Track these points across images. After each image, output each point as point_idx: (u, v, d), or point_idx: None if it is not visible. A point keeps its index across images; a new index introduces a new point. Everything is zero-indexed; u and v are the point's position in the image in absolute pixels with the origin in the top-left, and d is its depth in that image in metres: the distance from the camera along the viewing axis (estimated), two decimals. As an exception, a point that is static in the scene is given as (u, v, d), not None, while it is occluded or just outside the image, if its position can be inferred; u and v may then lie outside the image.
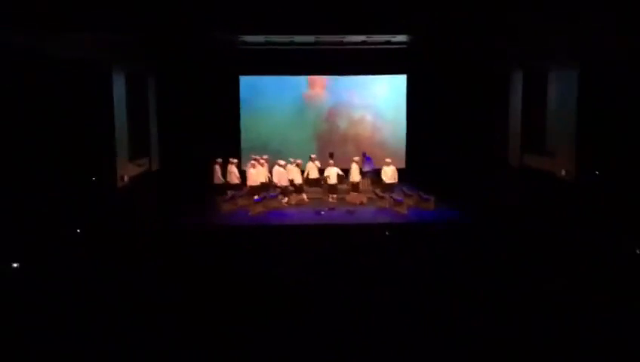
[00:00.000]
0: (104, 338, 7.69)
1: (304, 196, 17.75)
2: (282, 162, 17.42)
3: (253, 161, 17.49)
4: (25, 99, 10.66)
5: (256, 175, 17.33)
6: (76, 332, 7.89)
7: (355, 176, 17.66)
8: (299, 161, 17.58)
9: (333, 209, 16.99)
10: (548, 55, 14.59)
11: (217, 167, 17.51)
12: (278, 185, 17.37)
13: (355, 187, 17.79)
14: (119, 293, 9.62)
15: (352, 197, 17.81)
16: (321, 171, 17.97)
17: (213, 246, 13.28)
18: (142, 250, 13.43)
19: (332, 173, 17.59)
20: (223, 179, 17.52)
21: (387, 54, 17.82)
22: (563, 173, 13.65)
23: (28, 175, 10.68)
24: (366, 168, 18.23)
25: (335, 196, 17.85)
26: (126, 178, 14.09)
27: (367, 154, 18.70)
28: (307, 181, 17.87)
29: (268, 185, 17.51)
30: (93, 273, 10.77)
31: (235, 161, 17.70)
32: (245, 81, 19.63)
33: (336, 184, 17.80)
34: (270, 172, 17.56)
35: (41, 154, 11.12)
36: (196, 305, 8.86)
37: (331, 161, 17.74)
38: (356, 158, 17.83)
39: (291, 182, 17.52)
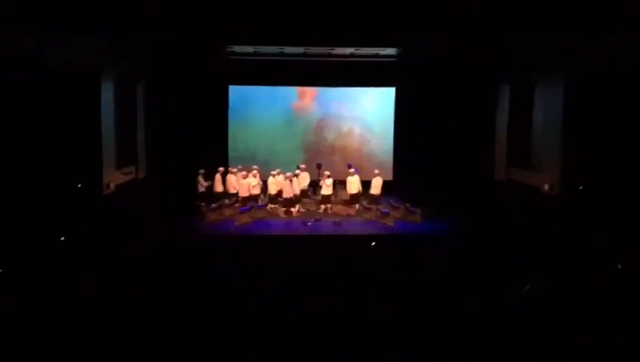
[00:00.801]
0: (85, 346, 7.61)
1: (297, 207, 17.72)
2: (275, 172, 17.41)
3: (244, 172, 17.50)
4: (11, 104, 10.59)
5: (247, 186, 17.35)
6: (57, 340, 7.81)
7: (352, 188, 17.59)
8: (289, 174, 17.55)
9: (319, 220, 16.99)
10: (533, 69, 14.79)
11: (218, 176, 17.50)
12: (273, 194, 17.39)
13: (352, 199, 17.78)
14: (103, 301, 9.54)
15: (340, 208, 17.85)
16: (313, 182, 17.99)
17: (198, 255, 13.24)
18: (128, 258, 13.34)
19: (327, 184, 17.56)
20: (222, 188, 17.50)
21: (376, 67, 17.96)
22: (546, 187, 13.79)
23: (13, 180, 10.58)
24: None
25: (329, 206, 17.87)
26: (112, 185, 14.00)
27: (353, 166, 18.69)
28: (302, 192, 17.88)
29: (257, 196, 17.53)
30: (78, 280, 10.68)
31: (234, 170, 17.64)
32: (235, 90, 19.66)
33: (330, 195, 17.76)
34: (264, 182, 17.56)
35: (27, 159, 11.03)
36: (181, 314, 8.81)
37: (327, 173, 17.67)
38: (351, 171, 17.82)
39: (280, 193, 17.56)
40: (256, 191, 17.50)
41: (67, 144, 12.31)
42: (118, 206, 14.55)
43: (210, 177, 17.49)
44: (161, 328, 8.32)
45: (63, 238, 12.22)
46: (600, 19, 11.14)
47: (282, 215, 17.37)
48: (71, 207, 12.51)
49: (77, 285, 10.32)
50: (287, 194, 17.32)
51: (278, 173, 17.42)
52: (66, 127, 12.21)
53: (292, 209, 17.48)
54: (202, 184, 17.40)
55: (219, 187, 17.59)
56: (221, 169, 17.81)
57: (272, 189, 17.40)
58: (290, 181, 17.24)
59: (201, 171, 17.43)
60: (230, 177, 17.52)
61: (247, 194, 17.29)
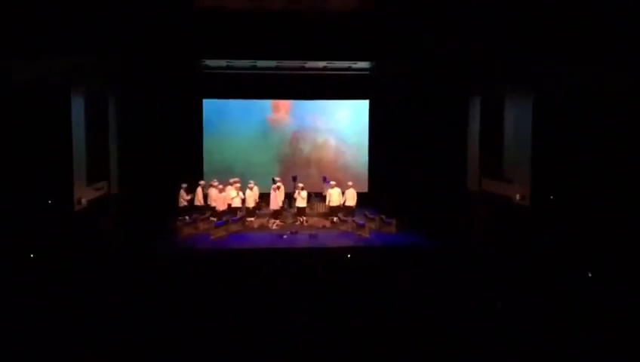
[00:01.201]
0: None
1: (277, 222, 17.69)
2: (251, 184, 17.37)
3: (221, 186, 17.46)
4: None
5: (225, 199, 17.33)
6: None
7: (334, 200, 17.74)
8: (275, 186, 17.52)
9: (295, 233, 16.98)
10: (504, 83, 15.05)
11: (199, 189, 17.46)
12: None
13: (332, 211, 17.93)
14: (74, 317, 9.40)
15: (315, 221, 17.89)
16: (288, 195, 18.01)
17: (172, 270, 13.12)
18: (99, 274, 13.14)
19: (302, 196, 17.60)
20: (203, 202, 17.45)
21: (350, 80, 18.10)
22: (518, 197, 14.00)
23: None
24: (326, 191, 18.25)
25: (304, 219, 17.88)
26: (84, 201, 13.80)
27: (328, 179, 18.72)
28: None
29: (236, 209, 17.45)
30: (48, 297, 10.50)
31: (216, 183, 17.56)
32: (209, 104, 19.62)
33: (305, 207, 17.81)
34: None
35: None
36: (156, 329, 8.72)
37: (300, 185, 17.68)
38: (333, 183, 17.88)
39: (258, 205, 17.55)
40: (237, 203, 17.42)
41: (38, 160, 12.12)
42: (90, 222, 14.35)
43: (191, 191, 17.36)
44: (137, 342, 8.23)
45: (32, 255, 12.03)
46: (570, 38, 11.44)
47: (273, 227, 17.41)
48: (41, 223, 12.32)
49: (49, 302, 10.16)
50: (274, 206, 17.31)
51: (252, 187, 17.40)
52: (37, 143, 12.03)
53: (276, 220, 17.49)
54: (184, 198, 17.25)
55: (200, 201, 17.47)
56: (202, 182, 17.70)
57: (251, 202, 17.35)
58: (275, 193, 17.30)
59: (184, 185, 17.33)
60: (211, 190, 17.41)
61: (224, 208, 17.21)
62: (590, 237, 12.39)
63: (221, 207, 17.25)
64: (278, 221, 17.62)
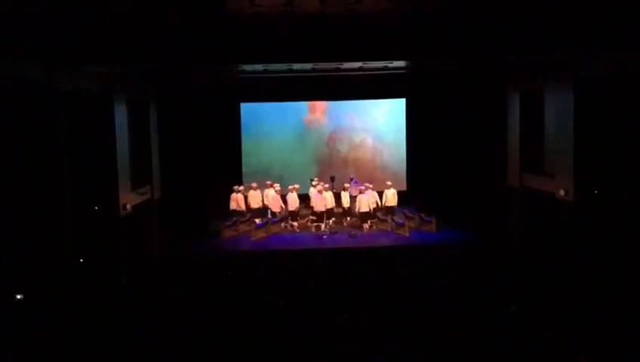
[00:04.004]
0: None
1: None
2: (278, 187, 17.49)
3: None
4: (28, 131, 10.82)
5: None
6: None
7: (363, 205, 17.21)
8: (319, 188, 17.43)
9: (335, 233, 17.02)
10: (543, 75, 14.74)
11: (252, 192, 17.60)
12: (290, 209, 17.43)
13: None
14: (122, 322, 9.68)
15: (354, 221, 17.84)
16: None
17: (216, 272, 13.35)
18: (146, 279, 13.52)
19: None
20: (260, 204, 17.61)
21: (385, 79, 18.02)
22: (562, 193, 13.68)
23: (31, 205, 10.80)
24: (354, 193, 17.88)
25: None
26: (129, 206, 14.19)
27: (355, 179, 18.58)
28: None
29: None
30: (97, 302, 10.84)
31: (275, 185, 17.75)
32: (246, 107, 19.84)
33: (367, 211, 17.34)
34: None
35: (44, 184, 11.25)
36: (200, 332, 8.90)
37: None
38: (364, 186, 17.53)
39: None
40: (293, 207, 17.41)
41: (83, 168, 12.53)
42: (135, 226, 14.75)
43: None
44: (178, 347, 8.42)
45: (81, 260, 12.42)
46: (606, 24, 11.13)
47: (315, 230, 17.28)
48: (89, 229, 12.72)
49: (96, 306, 10.49)
50: (320, 208, 17.22)
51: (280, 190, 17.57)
52: (81, 151, 12.44)
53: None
54: (238, 200, 17.46)
55: (241, 206, 17.55)
56: (241, 187, 17.82)
57: (293, 204, 17.41)
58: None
59: (236, 188, 17.61)
60: (269, 192, 17.55)
61: (278, 210, 17.49)
62: (637, 234, 12.02)
63: (276, 208, 17.44)
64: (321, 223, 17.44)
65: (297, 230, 17.38)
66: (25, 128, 10.72)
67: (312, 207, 17.40)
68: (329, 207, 17.38)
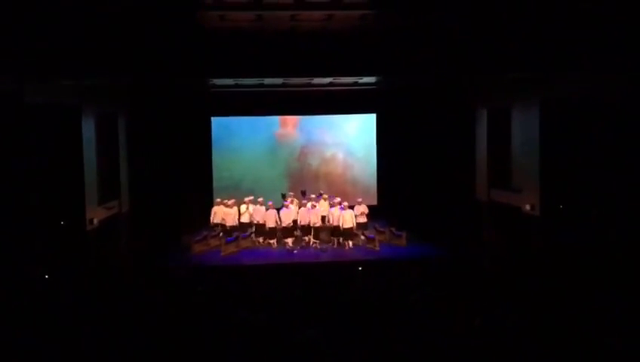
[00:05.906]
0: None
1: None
2: (261, 200, 17.39)
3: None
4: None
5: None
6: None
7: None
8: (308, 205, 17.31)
9: (305, 247, 17.00)
10: (510, 93, 15.11)
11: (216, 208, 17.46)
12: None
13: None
14: (88, 336, 9.47)
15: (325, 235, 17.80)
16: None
17: (184, 286, 13.19)
18: (113, 293, 13.24)
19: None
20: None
21: (356, 94, 18.23)
22: (528, 207, 13.99)
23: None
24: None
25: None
26: (95, 221, 13.96)
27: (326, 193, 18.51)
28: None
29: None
30: (63, 318, 10.59)
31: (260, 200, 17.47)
32: (217, 121, 19.77)
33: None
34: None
35: (8, 198, 11.01)
36: (167, 348, 8.77)
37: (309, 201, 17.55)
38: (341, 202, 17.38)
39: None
40: (245, 219, 17.36)
41: (49, 181, 12.31)
42: (102, 241, 14.50)
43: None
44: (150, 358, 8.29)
45: (46, 276, 12.15)
46: (573, 46, 11.51)
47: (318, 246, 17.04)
48: (55, 244, 12.47)
49: (63, 322, 10.25)
50: (303, 222, 17.11)
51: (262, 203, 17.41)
52: (48, 164, 12.23)
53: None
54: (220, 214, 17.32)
55: (241, 218, 17.41)
56: (227, 201, 17.58)
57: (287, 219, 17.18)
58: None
59: (217, 200, 17.54)
60: (256, 208, 17.30)
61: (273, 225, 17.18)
62: (601, 246, 12.35)
63: (271, 223, 17.16)
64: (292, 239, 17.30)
65: (274, 246, 17.24)
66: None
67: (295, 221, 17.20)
68: (295, 219, 17.16)
